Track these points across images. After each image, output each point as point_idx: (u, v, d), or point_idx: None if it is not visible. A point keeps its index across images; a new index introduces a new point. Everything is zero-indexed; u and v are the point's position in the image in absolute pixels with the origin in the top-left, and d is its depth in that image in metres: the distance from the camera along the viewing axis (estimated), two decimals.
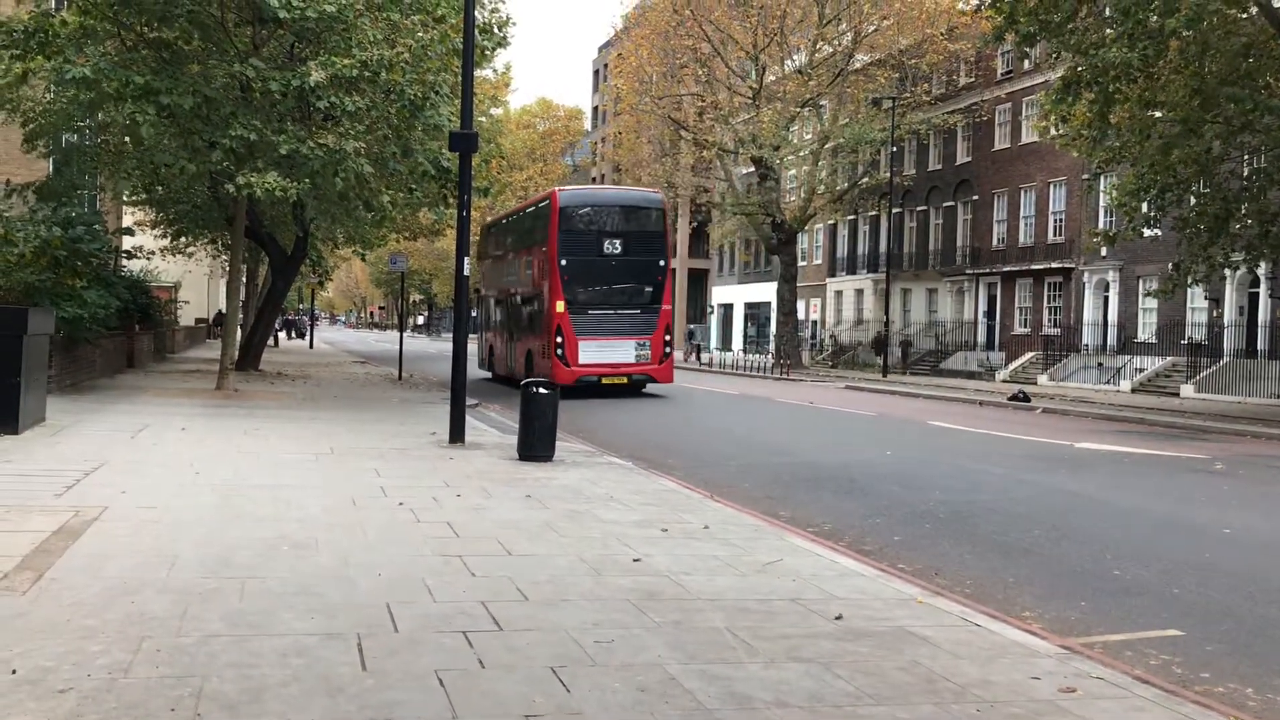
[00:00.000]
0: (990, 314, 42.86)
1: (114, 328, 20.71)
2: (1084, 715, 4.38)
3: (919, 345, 45.39)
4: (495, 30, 20.69)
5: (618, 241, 23.15)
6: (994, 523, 9.28)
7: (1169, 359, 32.65)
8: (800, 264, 51.18)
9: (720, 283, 68.70)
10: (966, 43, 38.47)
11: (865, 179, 44.07)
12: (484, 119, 31.31)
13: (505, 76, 47.08)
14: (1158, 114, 21.38)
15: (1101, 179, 29.07)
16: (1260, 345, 30.36)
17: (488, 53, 21.13)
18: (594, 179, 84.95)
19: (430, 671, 4.53)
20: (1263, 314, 30.59)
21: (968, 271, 43.36)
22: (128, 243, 23.65)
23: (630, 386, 23.26)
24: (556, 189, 25.03)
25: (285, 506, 8.20)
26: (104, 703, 4.02)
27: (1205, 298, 31.46)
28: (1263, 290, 30.43)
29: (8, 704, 3.97)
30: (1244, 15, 20.03)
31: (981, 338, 43.10)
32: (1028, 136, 39.37)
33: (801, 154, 43.93)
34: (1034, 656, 5.18)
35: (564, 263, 22.52)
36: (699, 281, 75.86)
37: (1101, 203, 34.02)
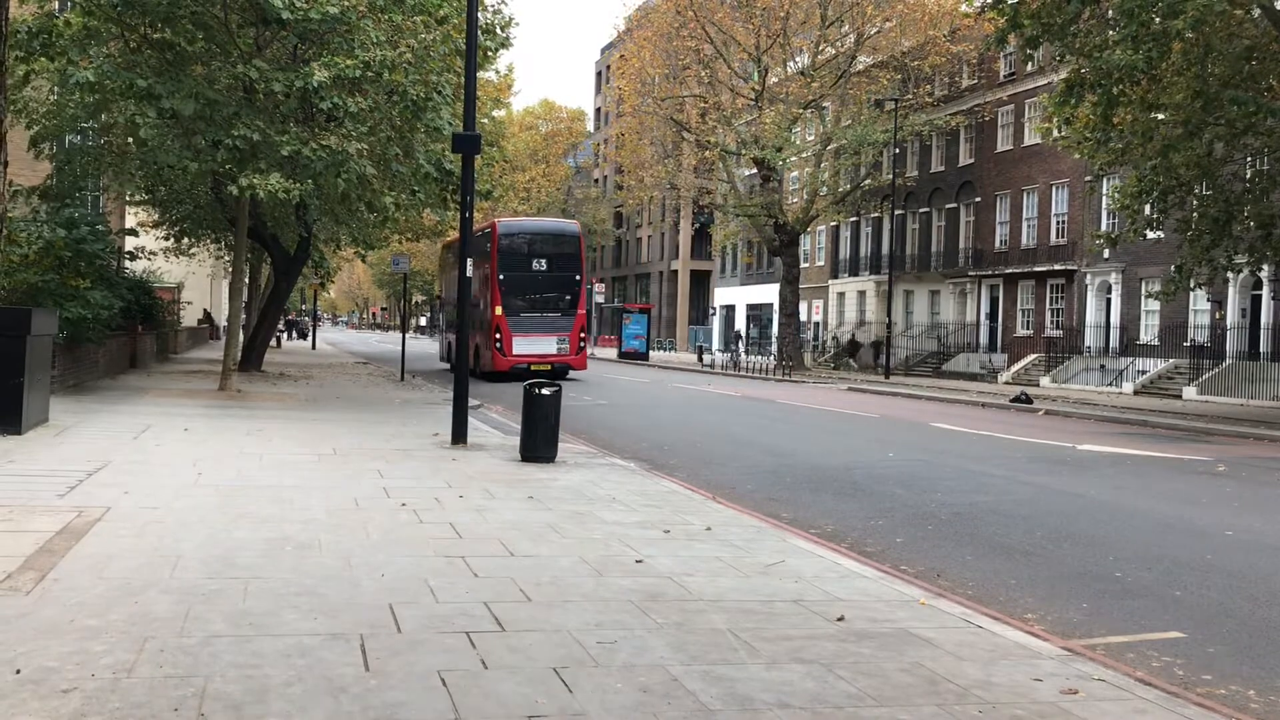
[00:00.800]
0: (992, 316, 42.86)
1: (117, 328, 20.74)
2: (1086, 717, 4.38)
3: (921, 347, 45.39)
4: (498, 31, 20.73)
5: (543, 261, 29.29)
6: (996, 524, 9.29)
7: (1171, 361, 32.64)
8: (803, 265, 51.19)
9: (723, 284, 68.73)
10: (969, 44, 38.47)
11: (868, 180, 44.07)
12: (486, 120, 31.36)
13: (508, 78, 47.24)
14: (1160, 116, 21.38)
15: (1104, 181, 29.08)
16: (1263, 347, 30.33)
17: (490, 53, 21.17)
18: (596, 180, 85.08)
19: (433, 672, 4.54)
20: (1265, 316, 30.56)
21: (970, 273, 43.35)
22: (130, 243, 23.67)
23: (553, 373, 27.92)
24: (497, 220, 31.26)
25: (288, 507, 8.21)
26: (108, 703, 4.03)
27: (1208, 300, 31.44)
28: (1265, 292, 30.41)
29: (12, 704, 3.98)
30: (1248, 17, 20.01)
31: (984, 339, 43.10)
32: (1030, 138, 39.37)
33: (804, 155, 43.93)
34: (1036, 658, 5.18)
35: (502, 277, 28.56)
36: (702, 283, 75.93)
37: (1104, 205, 34.02)
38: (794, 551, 7.44)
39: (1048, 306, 39.60)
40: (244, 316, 28.05)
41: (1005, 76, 41.47)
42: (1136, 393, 31.24)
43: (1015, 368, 38.51)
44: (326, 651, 4.76)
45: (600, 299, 67.02)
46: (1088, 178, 33.47)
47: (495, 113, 40.56)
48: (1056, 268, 38.44)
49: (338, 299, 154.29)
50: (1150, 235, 25.16)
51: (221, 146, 16.16)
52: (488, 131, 28.60)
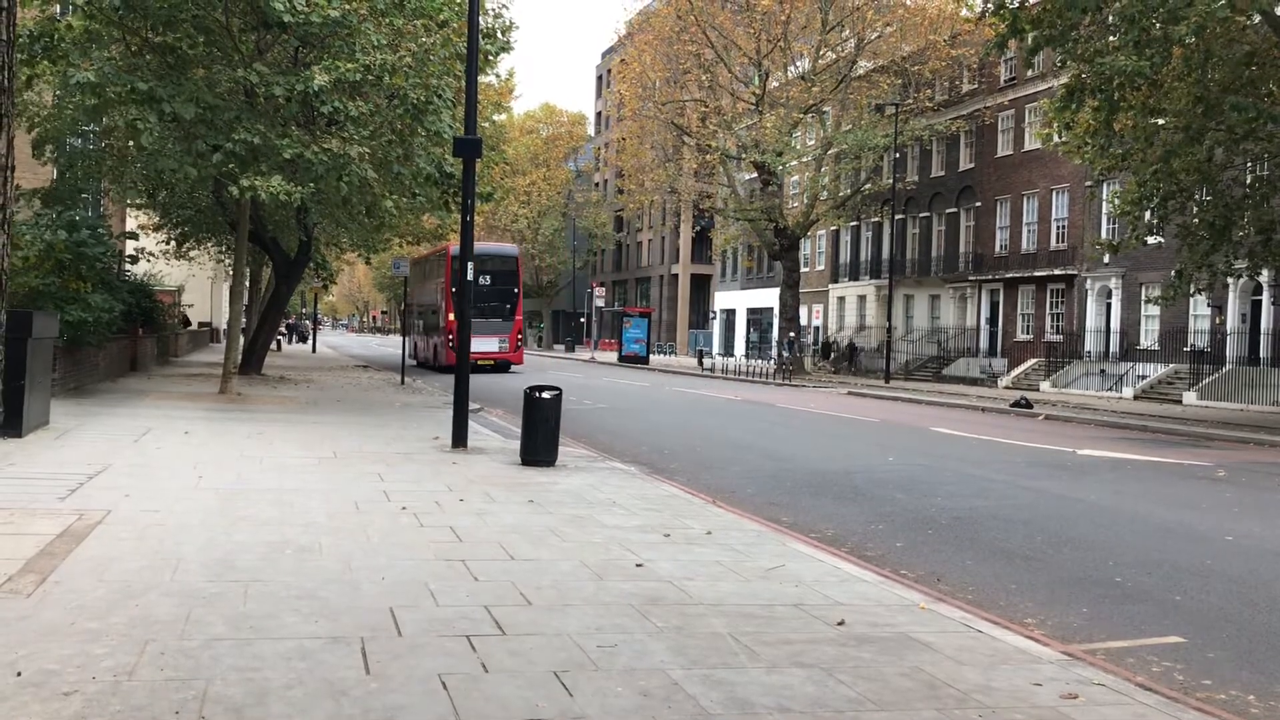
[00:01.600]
0: (992, 320, 42.87)
1: (117, 331, 20.76)
2: None
3: (921, 352, 45.40)
4: (498, 34, 20.74)
5: (488, 277, 35.82)
6: (996, 529, 9.29)
7: (1171, 366, 32.65)
8: (803, 270, 51.21)
9: (723, 288, 68.74)
10: (969, 49, 38.49)
11: (868, 185, 44.08)
12: (487, 124, 31.40)
13: (509, 83, 47.21)
14: (1161, 121, 21.40)
15: (1104, 186, 29.08)
16: (1263, 353, 30.33)
17: (490, 57, 21.17)
18: (596, 184, 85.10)
19: (433, 675, 4.55)
20: (1265, 321, 30.56)
21: (970, 278, 43.36)
22: (131, 246, 23.70)
23: (496, 367, 35.63)
24: (450, 244, 36.49)
25: (289, 510, 8.21)
26: (108, 705, 4.03)
27: (1208, 305, 31.44)
28: (1265, 298, 30.41)
29: (13, 706, 3.98)
30: (1248, 23, 20.04)
31: (984, 344, 43.11)
32: (1030, 143, 39.38)
33: (804, 160, 43.95)
34: (1036, 663, 5.18)
35: (454, 290, 33.23)
36: (702, 287, 75.92)
37: (1104, 210, 34.04)
38: (794, 556, 7.44)
39: (1048, 311, 39.60)
40: (244, 320, 28.04)
41: (1006, 81, 41.51)
42: (1136, 398, 31.24)
43: (1015, 372, 38.51)
44: (327, 654, 4.76)
45: (600, 303, 66.98)
46: (1088, 183, 33.55)
47: (496, 117, 40.60)
48: (1056, 272, 38.45)
49: (338, 302, 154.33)
50: (1150, 240, 25.15)
51: (222, 150, 16.18)
52: (489, 135, 28.62)
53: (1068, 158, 26.56)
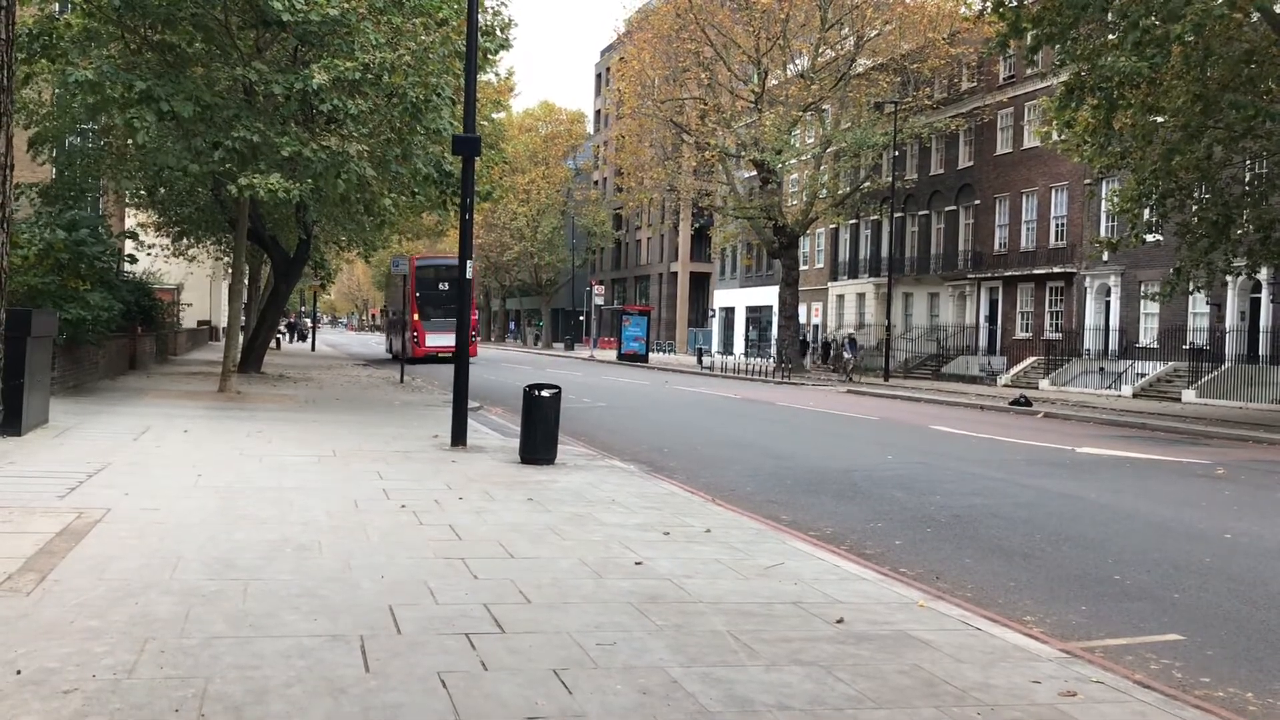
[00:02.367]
0: (992, 318, 42.88)
1: (117, 330, 20.75)
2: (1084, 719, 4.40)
3: (920, 350, 45.39)
4: (497, 32, 20.73)
5: (446, 283, 40.01)
6: (995, 527, 9.30)
7: (1170, 364, 32.66)
8: (802, 268, 51.16)
9: (722, 286, 68.73)
10: (968, 47, 38.48)
11: (867, 183, 44.07)
12: (486, 123, 31.36)
13: (508, 81, 47.15)
14: (1160, 119, 21.40)
15: (1103, 184, 29.08)
16: (1262, 350, 30.35)
17: (490, 55, 21.16)
18: (595, 182, 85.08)
19: (433, 673, 4.55)
20: (1264, 319, 30.58)
21: (969, 276, 43.37)
22: (130, 245, 23.68)
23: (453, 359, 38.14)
24: (415, 256, 42.79)
25: (288, 509, 8.22)
26: (108, 703, 4.04)
27: (1207, 303, 31.46)
28: (1264, 296, 30.43)
29: (13, 705, 3.99)
30: (1247, 21, 20.04)
31: (983, 342, 43.12)
32: (1029, 141, 39.38)
33: (803, 158, 43.94)
34: (1035, 660, 5.19)
35: (419, 295, 40.59)
36: (701, 285, 75.94)
37: (1103, 208, 34.04)
38: (793, 554, 7.45)
39: (1047, 309, 39.61)
40: (243, 318, 28.05)
41: (1005, 79, 41.50)
42: (1135, 395, 31.26)
43: (1014, 370, 38.52)
44: (327, 652, 4.77)
45: (599, 301, 66.98)
46: (1087, 181, 33.52)
47: (495, 115, 40.55)
48: (1056, 270, 38.45)
49: (337, 300, 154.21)
50: (1149, 238, 25.17)
51: (221, 148, 16.17)
52: (487, 134, 28.59)
53: (1067, 156, 26.56)
